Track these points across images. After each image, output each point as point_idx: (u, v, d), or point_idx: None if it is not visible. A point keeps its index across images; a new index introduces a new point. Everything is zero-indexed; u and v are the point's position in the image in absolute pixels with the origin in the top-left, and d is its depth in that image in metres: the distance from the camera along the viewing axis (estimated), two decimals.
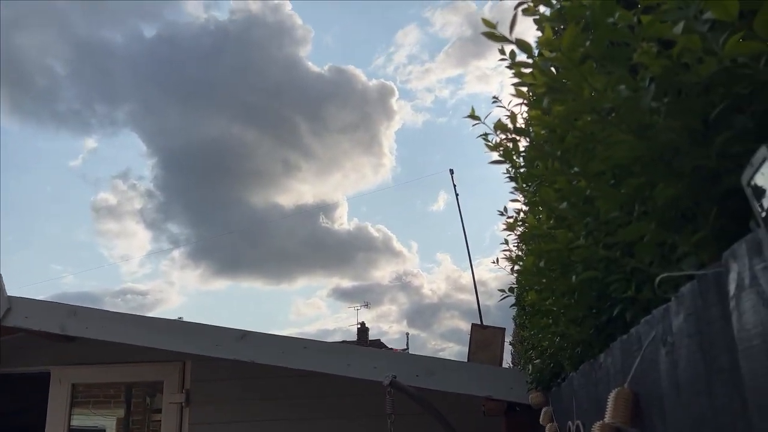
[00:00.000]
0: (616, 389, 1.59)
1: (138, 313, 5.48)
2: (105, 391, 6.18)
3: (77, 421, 5.91)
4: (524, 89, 1.19)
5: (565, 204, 1.20)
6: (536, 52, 1.24)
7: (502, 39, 1.01)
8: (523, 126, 1.29)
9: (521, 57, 1.49)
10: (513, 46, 1.02)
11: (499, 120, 1.45)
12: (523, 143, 1.64)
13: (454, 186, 15.66)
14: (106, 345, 5.13)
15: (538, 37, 0.97)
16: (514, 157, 1.55)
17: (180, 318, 5.34)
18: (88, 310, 5.06)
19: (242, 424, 5.49)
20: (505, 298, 2.66)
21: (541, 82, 0.96)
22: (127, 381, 6.04)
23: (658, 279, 1.08)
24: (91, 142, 50.70)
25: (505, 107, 2.01)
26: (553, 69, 0.98)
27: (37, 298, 5.20)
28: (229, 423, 5.52)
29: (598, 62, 0.93)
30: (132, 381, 6.04)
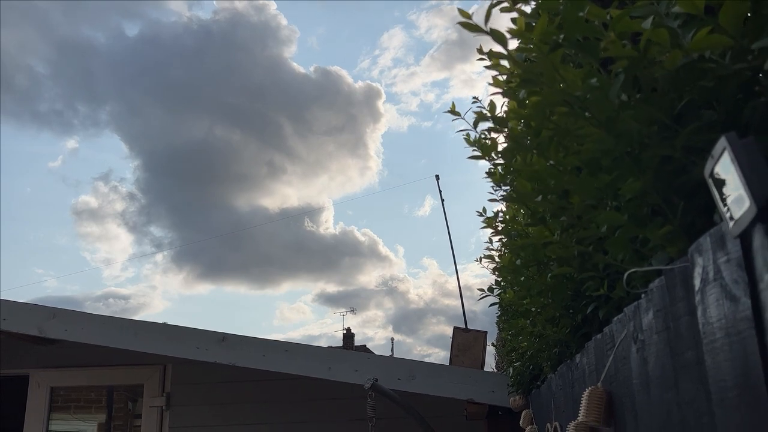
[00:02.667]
0: (589, 388, 1.60)
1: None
2: (86, 396, 6.11)
3: (56, 426, 5.84)
4: (501, 79, 1.19)
5: (540, 197, 1.20)
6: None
7: (477, 29, 1.01)
8: (503, 115, 1.29)
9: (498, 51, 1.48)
10: (491, 39, 1.02)
11: (480, 111, 1.45)
12: (501, 139, 1.65)
13: (440, 191, 15.72)
14: (86, 348, 5.09)
15: (510, 29, 0.98)
16: (492, 154, 1.55)
17: (161, 323, 5.31)
18: (68, 313, 5.01)
19: (223, 428, 5.46)
20: (484, 297, 2.66)
21: (516, 73, 0.96)
22: (107, 384, 5.98)
23: (626, 274, 1.09)
24: (71, 143, 50.13)
25: (484, 107, 2.01)
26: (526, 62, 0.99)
27: (16, 300, 5.15)
28: (209, 427, 5.48)
29: (571, 53, 0.93)
30: (112, 384, 5.98)
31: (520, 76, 1.01)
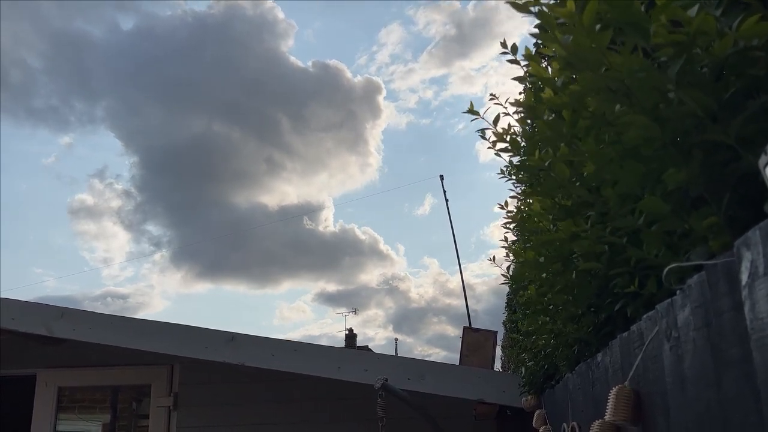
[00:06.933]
0: (616, 387, 1.57)
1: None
2: (90, 396, 6.10)
3: (63, 426, 5.83)
4: (543, 65, 1.17)
5: (578, 183, 1.18)
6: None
7: (525, 9, 0.99)
8: (535, 105, 1.26)
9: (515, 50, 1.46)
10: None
11: (514, 99, 1.42)
12: (521, 137, 1.62)
13: (444, 192, 15.69)
14: (94, 348, 5.07)
15: (554, 8, 0.95)
16: (514, 151, 1.53)
17: (172, 323, 5.29)
18: (76, 312, 5.00)
19: (230, 428, 5.44)
20: (505, 283, 2.64)
21: (560, 55, 0.94)
22: (115, 384, 5.96)
23: (666, 269, 1.06)
24: (66, 140, 49.77)
25: (502, 104, 1.99)
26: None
27: (23, 300, 5.14)
28: (217, 427, 5.46)
29: (620, 33, 0.91)
30: (120, 384, 5.97)
31: (564, 59, 0.99)
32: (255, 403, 5.48)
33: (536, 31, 1.02)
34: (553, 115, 1.16)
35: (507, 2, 0.99)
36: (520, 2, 0.97)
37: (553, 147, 1.20)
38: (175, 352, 4.79)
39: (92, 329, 4.87)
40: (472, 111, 1.83)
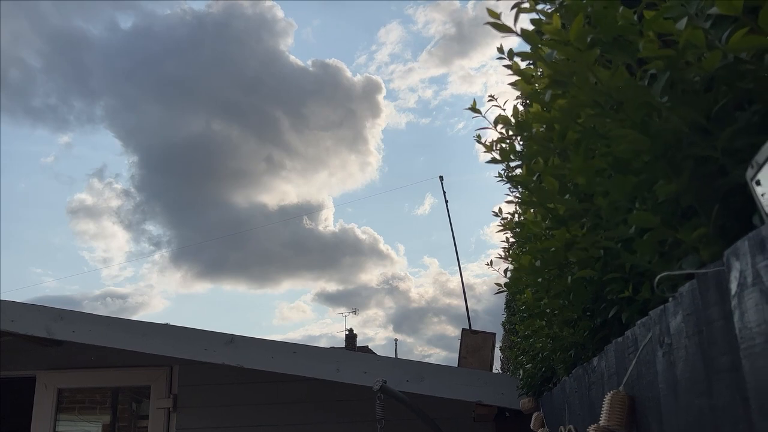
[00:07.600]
0: (611, 392, 1.58)
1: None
2: (90, 397, 6.11)
3: (63, 427, 5.84)
4: (526, 82, 1.18)
5: (567, 196, 1.19)
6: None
7: (507, 29, 0.99)
8: (521, 119, 1.27)
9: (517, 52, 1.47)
10: (515, 38, 1.00)
11: (500, 114, 1.43)
12: (518, 142, 1.63)
13: (444, 193, 15.74)
14: (93, 349, 5.08)
15: (543, 25, 0.96)
16: (511, 156, 1.54)
17: (166, 323, 5.31)
18: (75, 314, 5.01)
19: (230, 429, 5.45)
20: (500, 292, 2.66)
21: (546, 74, 0.95)
22: (115, 386, 5.97)
23: (657, 278, 1.07)
24: (65, 139, 49.66)
25: (500, 106, 2.00)
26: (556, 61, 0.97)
27: (23, 302, 5.15)
28: (216, 428, 5.47)
29: (606, 51, 0.92)
30: (119, 386, 5.98)
31: (550, 77, 1.00)
32: (254, 405, 5.49)
33: (521, 48, 1.03)
34: (544, 127, 1.17)
35: (487, 23, 0.99)
36: (500, 23, 0.98)
37: (544, 158, 1.21)
38: (175, 354, 4.81)
39: (92, 331, 4.88)
40: (474, 108, 1.84)
